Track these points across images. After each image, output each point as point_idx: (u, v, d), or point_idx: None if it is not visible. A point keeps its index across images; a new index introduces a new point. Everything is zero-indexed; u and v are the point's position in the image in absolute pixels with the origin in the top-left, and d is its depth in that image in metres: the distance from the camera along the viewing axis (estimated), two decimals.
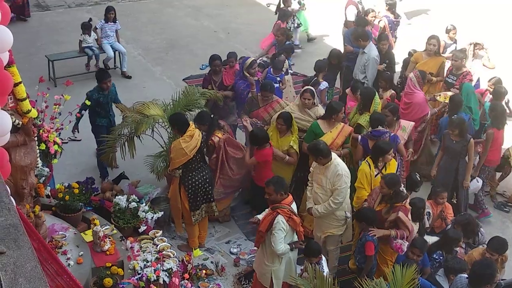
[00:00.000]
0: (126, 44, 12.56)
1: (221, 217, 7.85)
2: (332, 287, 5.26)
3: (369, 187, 6.75)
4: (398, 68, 10.51)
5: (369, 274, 6.18)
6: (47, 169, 6.77)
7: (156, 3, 16.01)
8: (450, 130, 7.70)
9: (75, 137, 9.11)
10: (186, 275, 6.47)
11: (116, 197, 7.20)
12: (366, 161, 6.87)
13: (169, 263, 6.18)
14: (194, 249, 7.28)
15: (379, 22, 11.39)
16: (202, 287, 6.75)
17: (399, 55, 10.76)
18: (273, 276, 6.06)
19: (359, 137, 7.50)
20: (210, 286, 6.79)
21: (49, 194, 6.94)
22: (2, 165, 4.40)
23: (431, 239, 6.73)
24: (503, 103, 8.76)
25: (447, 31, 10.49)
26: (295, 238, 6.05)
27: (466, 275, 5.64)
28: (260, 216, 6.19)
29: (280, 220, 5.81)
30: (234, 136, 8.24)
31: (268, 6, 16.19)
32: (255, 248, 6.47)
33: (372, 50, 9.48)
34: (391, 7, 11.63)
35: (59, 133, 6.72)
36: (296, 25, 13.17)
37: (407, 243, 6.14)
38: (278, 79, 9.22)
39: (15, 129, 5.06)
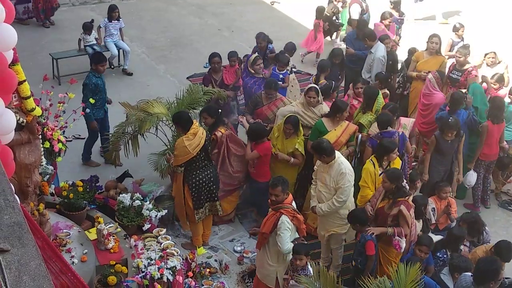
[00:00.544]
0: (130, 43, 12.57)
1: (226, 218, 7.83)
2: (336, 286, 5.26)
3: (373, 186, 6.74)
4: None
5: (370, 274, 6.17)
6: (51, 167, 6.77)
7: (160, 1, 16.00)
8: (450, 133, 7.69)
9: (79, 135, 9.13)
10: (190, 273, 6.48)
11: (120, 195, 7.22)
12: (371, 160, 6.87)
13: (173, 261, 6.18)
14: (198, 247, 7.27)
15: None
16: (206, 285, 6.74)
17: (403, 54, 10.71)
18: (278, 276, 6.05)
19: (360, 136, 7.53)
20: (214, 284, 6.78)
21: (53, 192, 6.95)
22: (6, 163, 4.40)
23: (434, 238, 6.72)
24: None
25: (455, 29, 10.51)
26: (296, 235, 6.06)
27: (471, 274, 5.61)
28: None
29: (285, 220, 5.81)
30: (236, 135, 8.24)
31: (272, 4, 16.16)
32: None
33: (378, 51, 9.46)
34: (396, 5, 11.61)
35: (63, 131, 6.72)
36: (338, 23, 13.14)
37: (405, 239, 6.13)
38: (281, 76, 9.20)
39: (19, 127, 5.07)
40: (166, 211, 7.21)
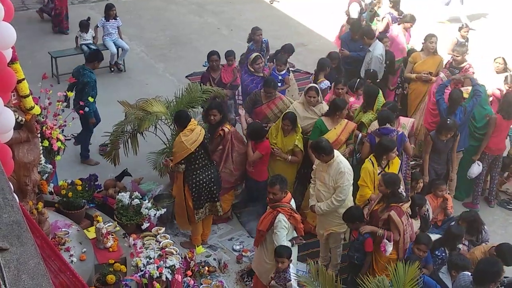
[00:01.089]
0: (129, 41, 12.55)
1: (224, 216, 7.83)
2: (335, 285, 5.26)
3: (372, 185, 6.74)
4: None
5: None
6: (50, 166, 6.78)
7: (160, 0, 16.00)
8: (449, 134, 7.69)
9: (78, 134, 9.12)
10: (189, 272, 6.47)
11: (119, 194, 7.20)
12: (370, 159, 6.87)
13: (172, 260, 6.17)
14: (197, 246, 7.29)
15: (382, 19, 11.35)
16: (205, 284, 6.75)
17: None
18: None
19: (360, 134, 7.53)
20: (213, 283, 6.79)
21: (52, 191, 6.95)
22: (5, 162, 4.40)
23: (433, 237, 6.72)
24: None
25: (460, 29, 10.54)
26: (294, 234, 6.07)
27: (470, 273, 5.61)
28: None
29: (282, 219, 5.83)
30: None
31: (271, 3, 16.15)
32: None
33: (376, 49, 9.43)
34: (395, 4, 11.59)
35: (62, 130, 6.71)
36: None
37: (392, 243, 6.09)
38: (280, 77, 9.16)
39: (18, 126, 5.06)
40: (165, 209, 7.20)
